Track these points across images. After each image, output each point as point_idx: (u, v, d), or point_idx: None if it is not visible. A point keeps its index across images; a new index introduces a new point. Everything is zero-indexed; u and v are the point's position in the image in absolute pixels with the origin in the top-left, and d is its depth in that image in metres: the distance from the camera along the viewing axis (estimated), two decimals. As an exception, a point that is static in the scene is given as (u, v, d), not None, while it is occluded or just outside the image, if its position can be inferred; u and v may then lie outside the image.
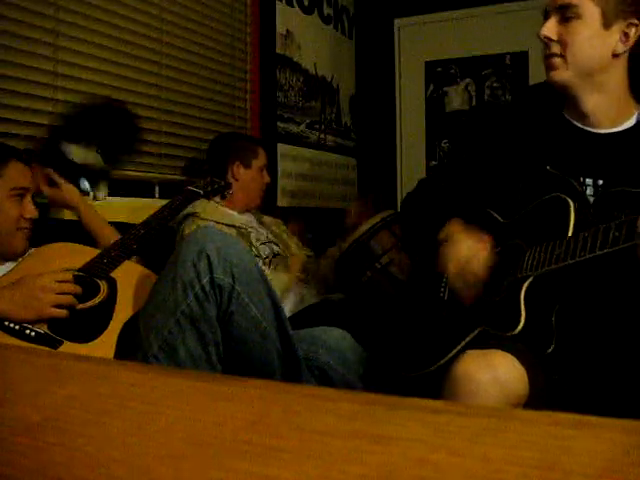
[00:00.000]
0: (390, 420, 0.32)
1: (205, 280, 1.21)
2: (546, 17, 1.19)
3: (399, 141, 3.55)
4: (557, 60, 1.17)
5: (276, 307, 1.31)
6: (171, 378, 0.41)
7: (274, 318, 1.30)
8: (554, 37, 1.17)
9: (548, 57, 1.19)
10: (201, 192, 1.90)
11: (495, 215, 1.30)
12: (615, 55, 1.15)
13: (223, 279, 1.22)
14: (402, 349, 1.36)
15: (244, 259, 1.26)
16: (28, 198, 1.44)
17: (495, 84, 3.30)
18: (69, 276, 1.31)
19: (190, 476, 0.26)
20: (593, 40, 1.14)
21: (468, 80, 3.36)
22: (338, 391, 0.41)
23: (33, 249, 1.47)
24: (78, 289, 1.29)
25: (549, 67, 1.19)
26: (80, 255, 1.46)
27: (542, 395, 1.05)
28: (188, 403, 0.36)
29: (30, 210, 1.43)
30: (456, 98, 3.40)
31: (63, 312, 1.24)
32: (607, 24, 1.14)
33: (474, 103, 3.35)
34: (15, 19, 1.74)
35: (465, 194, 1.36)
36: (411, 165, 3.50)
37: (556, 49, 1.17)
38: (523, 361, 1.02)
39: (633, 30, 1.14)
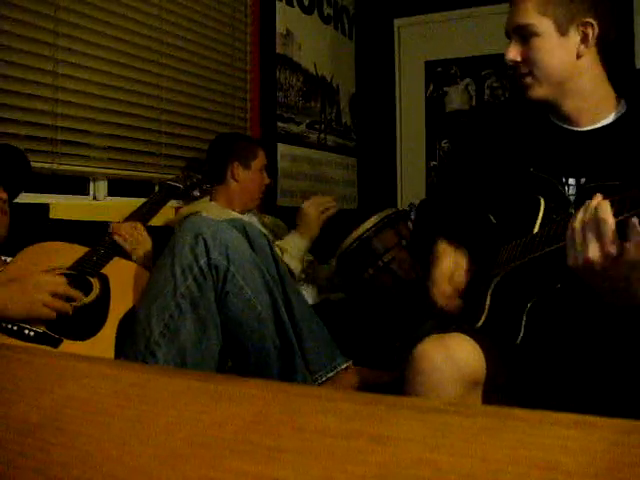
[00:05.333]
0: (390, 420, 0.32)
1: (202, 261, 1.27)
2: (509, 38, 1.23)
3: (399, 141, 3.55)
4: (529, 80, 1.21)
5: (271, 294, 1.35)
6: (171, 378, 0.41)
7: (269, 305, 1.33)
8: (519, 58, 1.20)
9: (520, 78, 1.22)
10: (180, 186, 1.90)
11: (491, 217, 1.33)
12: (580, 56, 1.18)
13: (219, 260, 1.27)
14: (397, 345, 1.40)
15: (236, 243, 1.32)
16: None
17: (495, 84, 3.30)
18: (63, 280, 1.29)
19: (190, 476, 0.26)
20: (555, 51, 1.17)
21: (468, 80, 3.36)
22: (338, 391, 0.41)
23: (28, 249, 1.47)
24: (72, 292, 1.28)
25: (523, 87, 1.22)
26: (71, 253, 1.46)
27: (504, 376, 1.10)
28: (188, 403, 0.36)
29: None
30: (456, 98, 3.40)
31: (52, 314, 1.22)
32: (563, 31, 1.16)
33: (474, 103, 3.35)
34: (15, 19, 1.74)
35: (471, 199, 1.38)
36: (411, 165, 3.50)
37: (524, 69, 1.20)
38: (482, 343, 1.07)
39: (590, 29, 1.16)
